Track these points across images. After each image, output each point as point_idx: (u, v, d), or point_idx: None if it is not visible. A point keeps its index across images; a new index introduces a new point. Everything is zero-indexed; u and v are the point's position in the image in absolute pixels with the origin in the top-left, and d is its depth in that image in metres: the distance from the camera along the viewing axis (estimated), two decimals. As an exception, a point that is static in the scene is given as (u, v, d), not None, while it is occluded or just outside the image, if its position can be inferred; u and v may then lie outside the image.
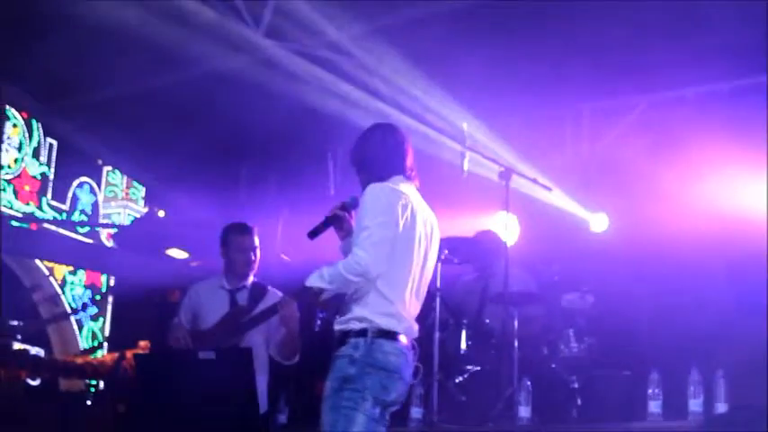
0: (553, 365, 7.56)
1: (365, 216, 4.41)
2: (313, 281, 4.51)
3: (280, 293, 6.47)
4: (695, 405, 6.23)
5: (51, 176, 13.07)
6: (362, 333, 4.44)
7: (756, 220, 7.80)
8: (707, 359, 6.72)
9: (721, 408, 6.19)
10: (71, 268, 13.60)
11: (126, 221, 13.48)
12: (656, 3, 7.63)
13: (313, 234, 4.69)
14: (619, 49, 8.13)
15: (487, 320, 7.81)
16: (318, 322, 7.72)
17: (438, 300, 7.48)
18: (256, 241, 6.57)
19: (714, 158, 7.94)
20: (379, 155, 4.68)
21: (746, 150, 7.86)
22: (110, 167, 13.72)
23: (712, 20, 7.70)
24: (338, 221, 4.75)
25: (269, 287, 6.59)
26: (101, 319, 13.98)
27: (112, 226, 13.50)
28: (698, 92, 8.72)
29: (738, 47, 8.01)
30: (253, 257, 6.53)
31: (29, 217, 12.52)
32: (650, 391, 6.40)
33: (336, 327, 4.58)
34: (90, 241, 13.24)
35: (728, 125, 8.19)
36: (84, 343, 13.50)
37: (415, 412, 7.03)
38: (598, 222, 9.13)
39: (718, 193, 7.97)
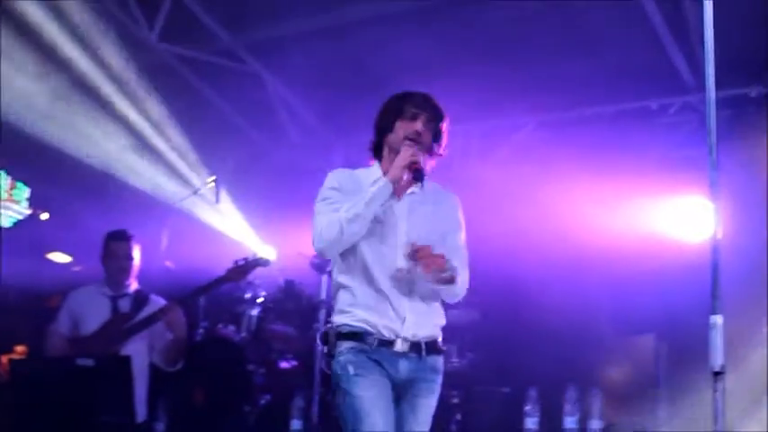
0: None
1: None
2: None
3: (163, 301, 6.43)
4: (570, 422, 6.34)
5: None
6: None
7: (636, 241, 7.96)
8: (584, 377, 6.86)
9: (596, 424, 6.31)
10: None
11: (7, 224, 13.15)
12: (547, 24, 7.74)
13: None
14: (510, 67, 8.23)
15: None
16: (200, 330, 7.69)
17: (322, 312, 7.48)
18: (135, 249, 6.50)
19: (597, 180, 8.07)
20: None
21: (624, 173, 7.99)
22: (-7, 167, 13.39)
23: (602, 43, 7.87)
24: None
25: (151, 294, 6.53)
26: (-24, 323, 13.61)
27: (-8, 227, 13.17)
28: (582, 114, 8.87)
29: (625, 71, 8.19)
30: (127, 265, 6.46)
31: None
32: (527, 407, 6.49)
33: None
34: (-33, 243, 12.89)
35: (612, 147, 8.34)
36: (-43, 347, 13.12)
37: (296, 424, 7.01)
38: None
39: (598, 213, 8.11)
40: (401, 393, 4.09)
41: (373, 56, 8.30)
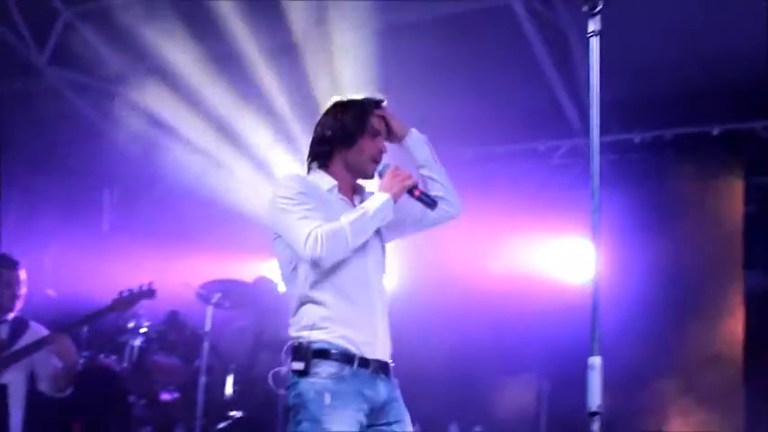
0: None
1: None
2: None
3: (43, 329, 6.28)
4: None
5: None
6: None
7: (521, 280, 8.06)
8: (466, 415, 6.91)
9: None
10: None
11: None
12: (441, 63, 7.82)
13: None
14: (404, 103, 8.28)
15: (256, 367, 7.77)
16: (82, 360, 7.53)
17: (206, 344, 7.40)
18: (21, 276, 6.35)
19: (484, 218, 8.14)
20: None
21: (512, 213, 8.09)
22: None
23: (495, 84, 7.98)
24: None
25: (31, 322, 6.37)
26: None
27: None
28: (476, 151, 8.96)
29: (516, 113, 8.31)
30: (11, 292, 6.31)
31: None
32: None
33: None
34: None
35: (501, 187, 8.44)
36: None
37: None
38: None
39: (484, 251, 8.19)
40: (378, 417, 3.79)
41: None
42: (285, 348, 3.78)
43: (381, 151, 3.98)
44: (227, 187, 8.65)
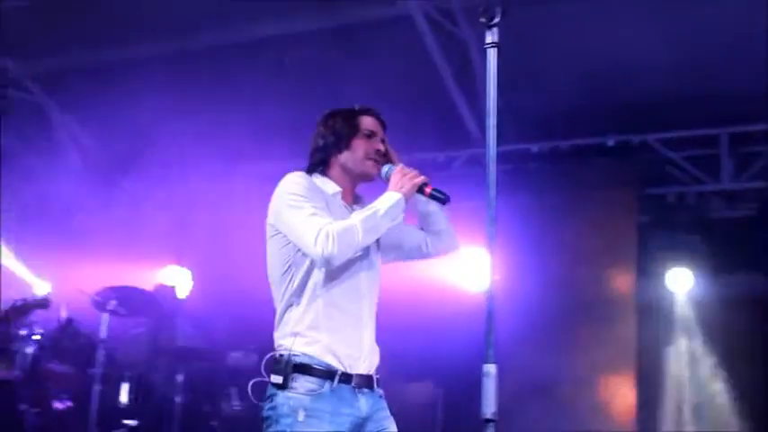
0: (214, 423, 7.52)
1: None
2: None
3: None
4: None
5: None
6: None
7: (417, 288, 8.08)
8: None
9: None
10: None
11: None
12: (337, 73, 7.83)
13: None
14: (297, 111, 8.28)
15: (153, 375, 7.69)
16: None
17: (101, 351, 7.29)
18: None
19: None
20: None
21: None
22: None
23: (395, 94, 8.00)
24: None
25: None
26: None
27: None
28: (414, 159, 8.97)
29: (416, 122, 8.35)
30: None
31: None
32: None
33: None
34: None
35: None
36: None
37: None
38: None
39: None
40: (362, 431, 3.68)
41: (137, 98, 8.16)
42: (266, 358, 3.64)
43: (378, 150, 3.91)
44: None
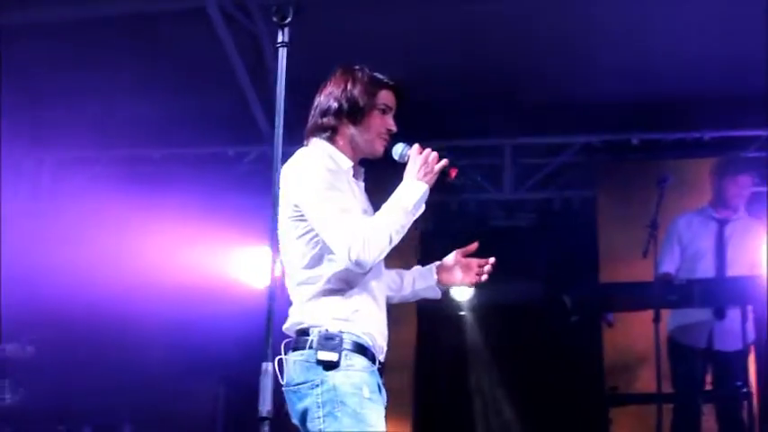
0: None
1: None
2: None
3: None
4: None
5: None
6: None
7: (204, 284, 8.05)
8: (142, 417, 6.83)
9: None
10: None
11: None
12: (130, 62, 7.70)
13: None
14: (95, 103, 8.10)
15: None
16: None
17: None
18: None
19: (174, 221, 8.06)
20: None
21: (201, 217, 8.06)
22: None
23: (187, 86, 7.94)
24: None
25: None
26: None
27: None
28: (164, 153, 8.88)
29: (208, 116, 8.30)
30: None
31: None
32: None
33: None
34: None
35: (191, 190, 8.39)
36: None
37: None
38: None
39: (169, 254, 8.11)
40: None
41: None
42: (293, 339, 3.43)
43: (390, 129, 3.65)
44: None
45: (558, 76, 7.72)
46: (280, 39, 3.29)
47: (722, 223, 6.99)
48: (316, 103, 3.67)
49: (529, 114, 8.11)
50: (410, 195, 3.45)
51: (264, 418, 2.99)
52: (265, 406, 3.00)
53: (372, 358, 3.45)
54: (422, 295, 3.91)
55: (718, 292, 6.51)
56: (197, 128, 8.40)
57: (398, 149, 3.62)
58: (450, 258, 3.85)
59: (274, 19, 3.28)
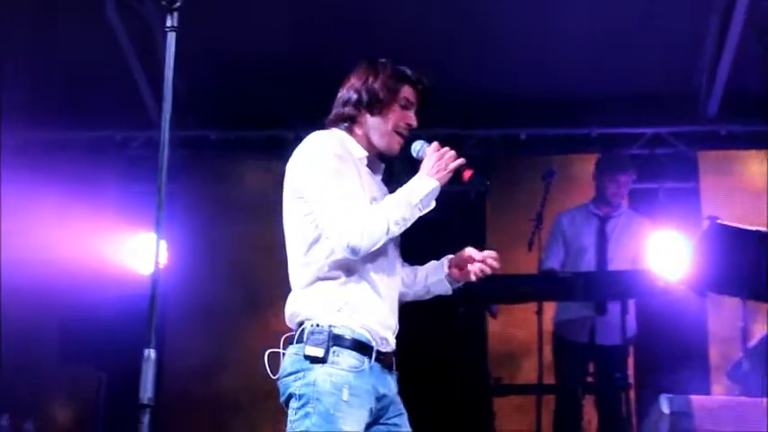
0: None
1: None
2: None
3: None
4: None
5: None
6: None
7: (88, 270, 7.90)
8: (20, 406, 6.72)
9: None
10: None
11: None
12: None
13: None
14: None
15: None
16: None
17: None
18: None
19: (61, 206, 7.89)
20: None
21: (87, 202, 7.92)
22: None
23: (75, 68, 7.82)
24: None
25: None
26: None
27: None
28: (51, 137, 8.70)
29: (95, 99, 8.18)
30: None
31: None
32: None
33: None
34: None
35: (77, 175, 8.24)
36: None
37: None
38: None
39: (55, 239, 7.94)
40: (386, 412, 3.47)
41: None
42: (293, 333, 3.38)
43: (410, 125, 3.59)
44: None
45: (455, 69, 7.78)
46: (169, 23, 3.26)
47: (603, 220, 7.16)
48: (339, 95, 3.65)
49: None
50: (418, 190, 3.41)
51: (145, 406, 2.97)
52: (146, 393, 2.98)
53: (369, 354, 3.39)
54: (434, 291, 3.84)
55: (599, 286, 6.66)
56: (84, 111, 8.27)
57: (417, 146, 3.59)
58: (464, 253, 3.75)
59: (163, 3, 3.26)
